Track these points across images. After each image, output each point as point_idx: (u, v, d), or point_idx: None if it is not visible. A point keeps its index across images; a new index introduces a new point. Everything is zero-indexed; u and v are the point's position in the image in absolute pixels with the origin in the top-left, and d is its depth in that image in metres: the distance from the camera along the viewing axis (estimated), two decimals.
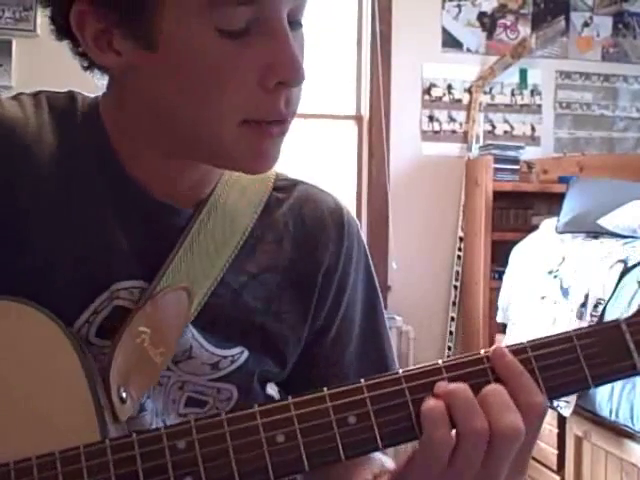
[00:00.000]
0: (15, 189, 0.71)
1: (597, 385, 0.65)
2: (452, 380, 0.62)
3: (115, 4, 0.64)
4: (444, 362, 0.64)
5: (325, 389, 0.62)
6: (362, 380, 0.63)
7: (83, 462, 0.59)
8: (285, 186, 0.84)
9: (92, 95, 0.79)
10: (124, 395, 0.67)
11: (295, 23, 0.68)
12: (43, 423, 0.63)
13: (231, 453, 0.59)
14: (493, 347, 0.64)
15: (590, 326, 0.66)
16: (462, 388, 0.61)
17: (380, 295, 0.90)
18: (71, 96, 0.78)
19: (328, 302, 0.83)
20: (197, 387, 0.77)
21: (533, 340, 0.65)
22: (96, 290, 0.72)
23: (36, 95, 0.77)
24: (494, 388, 0.61)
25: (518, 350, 0.64)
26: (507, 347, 0.65)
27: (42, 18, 2.95)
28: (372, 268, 0.89)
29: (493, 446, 0.60)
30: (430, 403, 0.60)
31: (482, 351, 0.64)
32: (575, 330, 0.65)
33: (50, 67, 3.01)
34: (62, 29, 0.69)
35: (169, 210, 0.76)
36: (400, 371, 0.63)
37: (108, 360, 0.68)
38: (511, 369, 0.62)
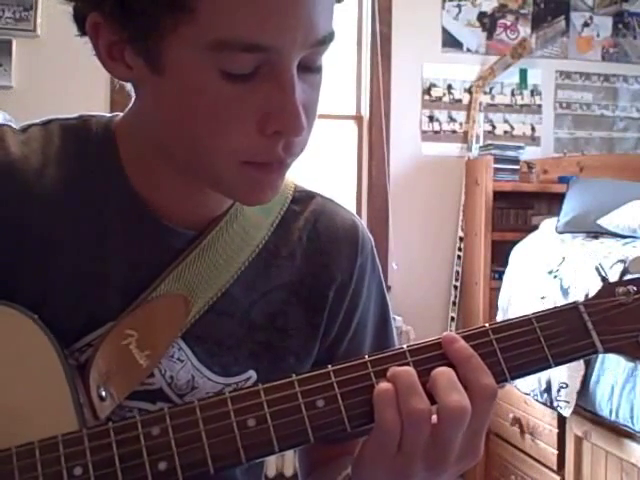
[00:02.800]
0: (23, 227, 0.71)
1: (558, 364, 0.67)
2: (415, 364, 0.65)
3: (127, 22, 0.63)
4: (408, 347, 0.66)
5: (294, 375, 0.64)
6: (329, 366, 0.65)
7: (61, 450, 0.61)
8: (302, 198, 0.83)
9: (106, 115, 0.78)
10: (103, 394, 0.68)
11: (310, 68, 0.66)
12: (23, 420, 0.64)
13: (204, 437, 0.61)
14: (444, 333, 0.66)
15: (548, 309, 0.68)
16: (405, 371, 0.63)
17: (390, 311, 0.89)
18: (84, 121, 0.77)
19: (339, 318, 0.83)
20: None
21: (494, 323, 0.67)
22: (94, 324, 0.72)
23: (47, 124, 0.76)
24: (442, 369, 0.64)
25: (480, 333, 0.67)
26: (469, 330, 0.67)
27: (42, 18, 2.98)
28: (384, 285, 0.89)
29: (439, 425, 0.62)
30: (380, 386, 0.63)
31: (445, 333, 0.67)
32: (534, 313, 0.68)
33: (50, 67, 3.01)
34: (82, 28, 0.68)
35: (176, 234, 0.75)
36: (366, 356, 0.65)
37: (89, 359, 0.68)
38: (461, 353, 0.65)
